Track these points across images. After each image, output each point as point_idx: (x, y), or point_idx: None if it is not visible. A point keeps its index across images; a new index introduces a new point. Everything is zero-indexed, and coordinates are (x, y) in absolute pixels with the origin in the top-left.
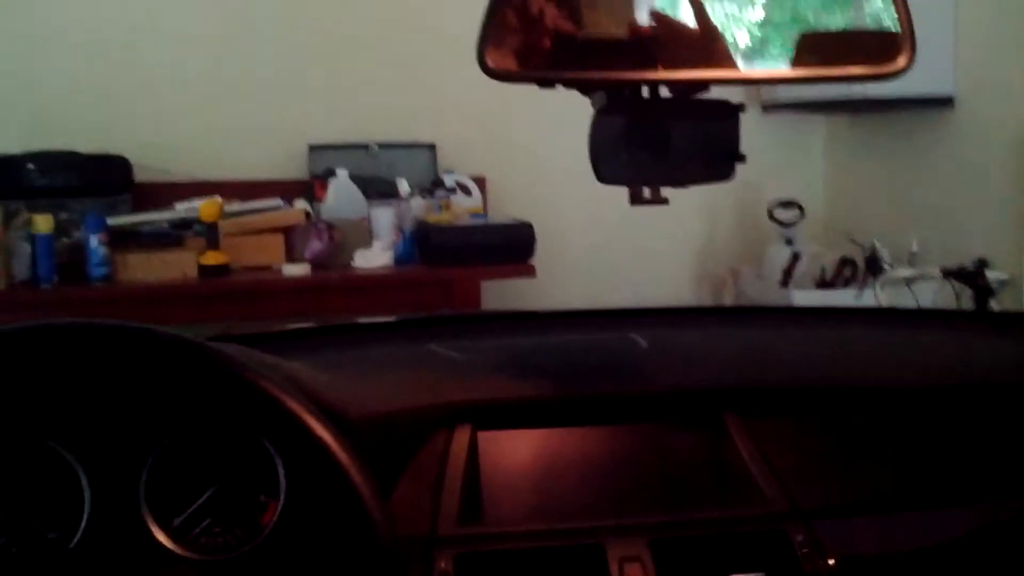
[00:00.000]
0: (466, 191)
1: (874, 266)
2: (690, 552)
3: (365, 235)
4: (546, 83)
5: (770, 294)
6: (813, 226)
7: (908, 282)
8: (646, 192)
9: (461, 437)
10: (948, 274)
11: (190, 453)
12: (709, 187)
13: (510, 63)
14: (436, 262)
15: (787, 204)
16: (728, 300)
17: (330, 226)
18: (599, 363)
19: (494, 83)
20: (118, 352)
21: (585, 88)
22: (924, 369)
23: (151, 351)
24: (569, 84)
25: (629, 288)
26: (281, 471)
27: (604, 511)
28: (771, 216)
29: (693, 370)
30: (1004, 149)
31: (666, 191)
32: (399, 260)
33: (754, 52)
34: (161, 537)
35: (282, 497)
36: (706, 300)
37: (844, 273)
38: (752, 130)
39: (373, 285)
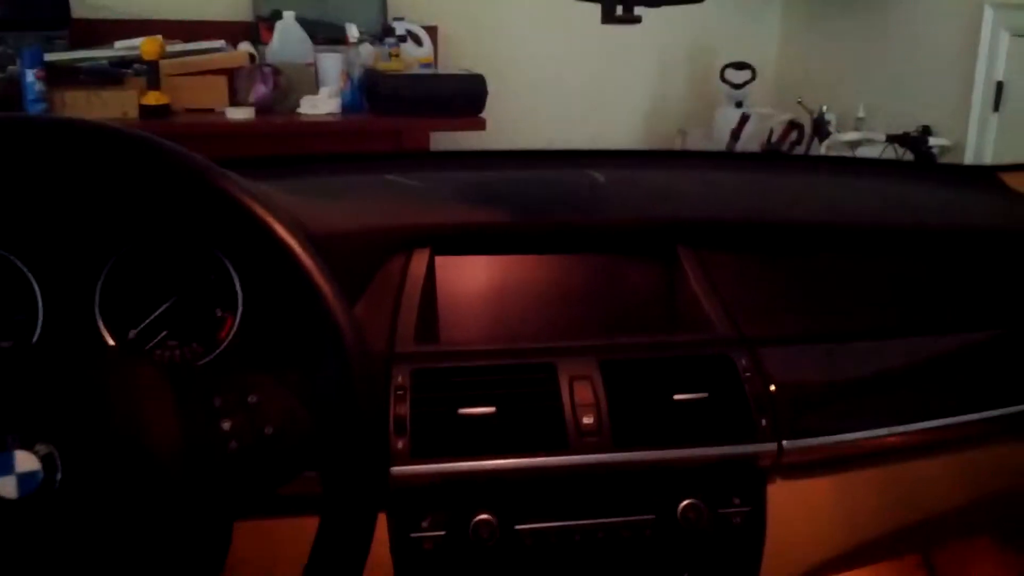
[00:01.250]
0: (417, 40)
1: (820, 130)
2: (638, 372)
3: (312, 81)
4: None
5: None
6: (763, 90)
7: (853, 146)
8: (619, 9)
9: (419, 260)
10: (893, 139)
11: (147, 266)
12: (662, 47)
13: None
14: (384, 111)
15: (739, 66)
16: None
17: (275, 70)
18: (557, 195)
19: None
20: (75, 148)
21: None
22: (868, 211)
23: (111, 147)
24: None
25: (579, 146)
26: (238, 284)
27: (557, 335)
28: (723, 77)
29: (649, 204)
30: (955, 20)
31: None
32: (346, 108)
33: None
34: (115, 348)
35: (240, 311)
36: None
37: (791, 136)
38: None
39: (319, 132)
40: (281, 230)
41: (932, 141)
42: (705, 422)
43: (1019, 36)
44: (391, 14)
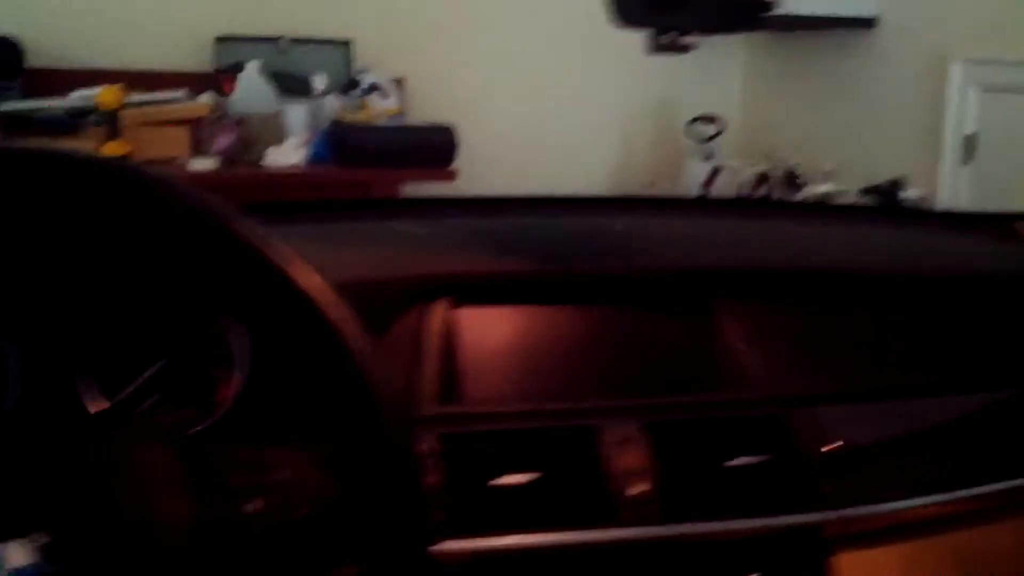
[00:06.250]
0: (384, 91)
1: (791, 182)
2: (687, 435)
3: (277, 132)
4: None
5: None
6: (730, 142)
7: (826, 198)
8: (666, 38)
9: (439, 311)
10: (865, 192)
11: (136, 322)
12: (626, 101)
13: None
14: (352, 163)
15: (706, 119)
16: None
17: (239, 120)
18: (580, 242)
19: None
20: (69, 182)
21: None
22: (904, 258)
23: (113, 183)
24: None
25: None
26: (244, 339)
27: (591, 393)
28: (690, 131)
29: (678, 253)
30: (922, 71)
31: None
32: (313, 159)
33: None
34: (100, 412)
35: (244, 369)
36: None
37: (761, 188)
38: None
39: (285, 184)
40: (302, 278)
41: (903, 194)
42: (763, 489)
43: (989, 92)
44: (357, 66)
